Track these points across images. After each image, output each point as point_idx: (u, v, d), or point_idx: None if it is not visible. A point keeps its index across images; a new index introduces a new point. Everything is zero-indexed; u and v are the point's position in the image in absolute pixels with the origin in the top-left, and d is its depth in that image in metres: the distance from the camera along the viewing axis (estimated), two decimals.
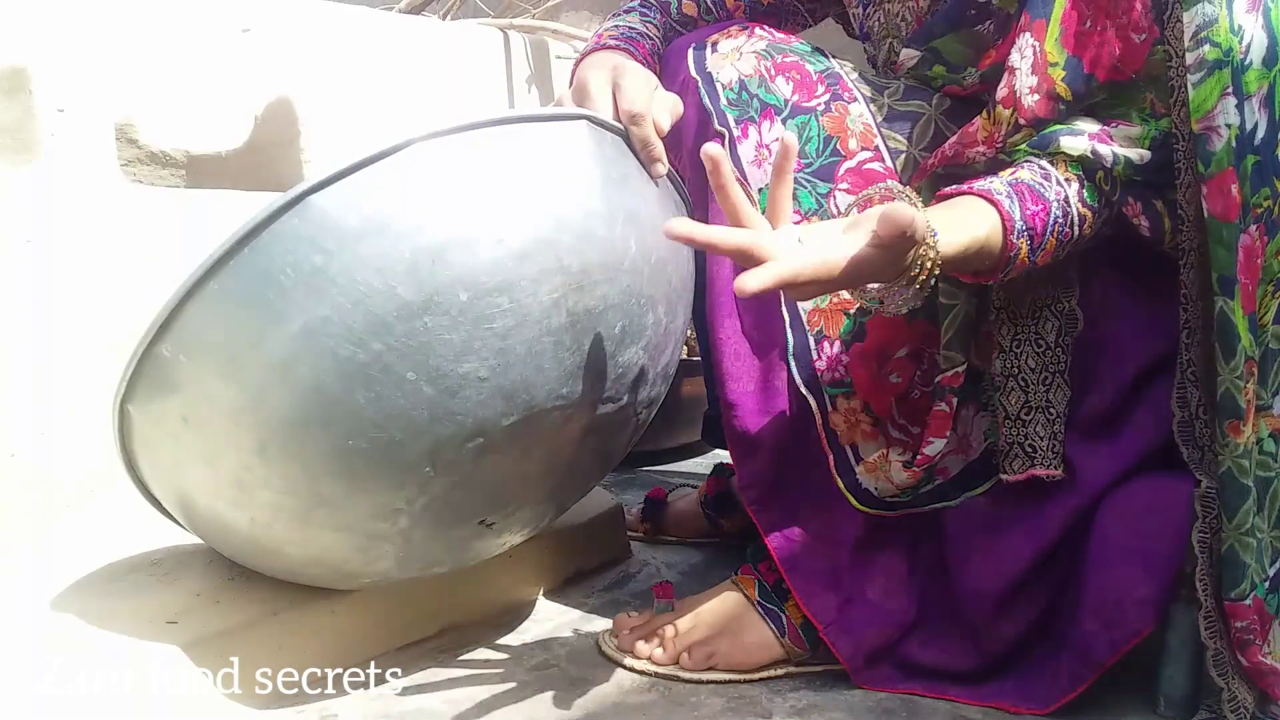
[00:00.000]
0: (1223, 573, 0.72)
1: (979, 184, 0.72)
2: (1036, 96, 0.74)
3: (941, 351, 0.79)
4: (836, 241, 0.64)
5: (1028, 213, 0.70)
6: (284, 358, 0.61)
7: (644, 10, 0.95)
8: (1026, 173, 0.73)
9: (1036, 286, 0.79)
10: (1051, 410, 0.79)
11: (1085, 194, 0.73)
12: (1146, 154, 0.73)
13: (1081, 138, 0.74)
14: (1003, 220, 0.69)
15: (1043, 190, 0.72)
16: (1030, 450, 0.79)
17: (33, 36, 1.06)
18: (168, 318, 0.62)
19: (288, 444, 0.63)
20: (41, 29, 1.08)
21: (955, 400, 0.79)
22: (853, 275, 0.63)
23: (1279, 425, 0.74)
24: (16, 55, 1.00)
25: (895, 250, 0.63)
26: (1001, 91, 0.74)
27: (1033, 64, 0.74)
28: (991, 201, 0.70)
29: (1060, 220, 0.72)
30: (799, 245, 0.64)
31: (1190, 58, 0.69)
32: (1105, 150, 0.73)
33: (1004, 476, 0.80)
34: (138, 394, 0.66)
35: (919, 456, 0.80)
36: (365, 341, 0.61)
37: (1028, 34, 0.74)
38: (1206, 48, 0.69)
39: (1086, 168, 0.74)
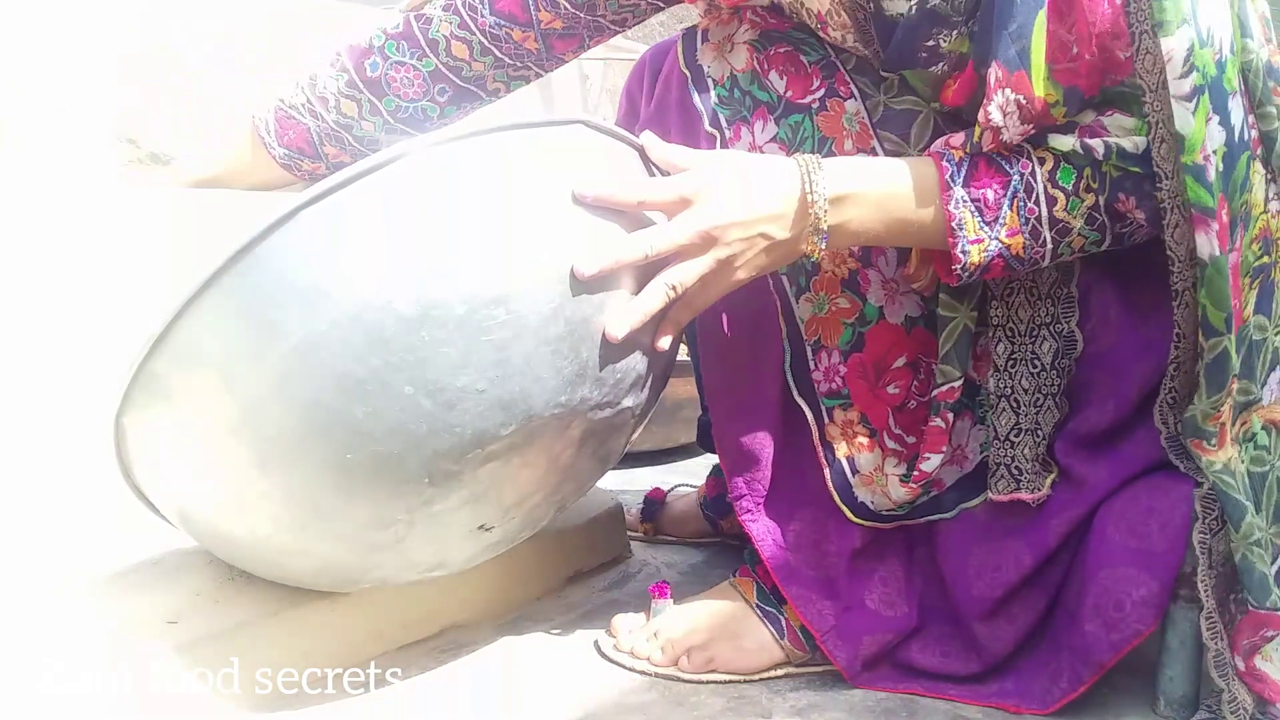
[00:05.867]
0: (1244, 581, 0.71)
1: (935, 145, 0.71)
2: (1033, 131, 0.70)
3: (939, 365, 0.78)
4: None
5: (975, 181, 0.68)
6: (281, 372, 0.60)
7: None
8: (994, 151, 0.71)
9: (1036, 304, 0.77)
10: (1039, 433, 0.78)
11: (1059, 175, 0.70)
12: (1142, 141, 0.69)
13: (1070, 135, 0.70)
14: (940, 179, 0.67)
15: (1004, 164, 0.69)
16: (1016, 473, 0.78)
17: (33, 37, 1.06)
18: (164, 332, 0.61)
19: (286, 458, 0.63)
20: (41, 29, 1.08)
21: (951, 416, 0.78)
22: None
23: (1271, 417, 0.74)
24: (16, 55, 1.00)
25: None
26: (988, 145, 0.70)
27: (1021, 115, 0.68)
28: (936, 163, 0.68)
29: (1021, 193, 0.68)
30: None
31: (1181, 86, 0.65)
32: (1096, 142, 0.69)
33: (991, 495, 0.80)
34: (134, 408, 0.65)
35: (916, 472, 0.79)
36: (363, 356, 0.60)
37: (1006, 89, 0.67)
38: (1195, 75, 0.65)
39: (1075, 163, 0.70)
